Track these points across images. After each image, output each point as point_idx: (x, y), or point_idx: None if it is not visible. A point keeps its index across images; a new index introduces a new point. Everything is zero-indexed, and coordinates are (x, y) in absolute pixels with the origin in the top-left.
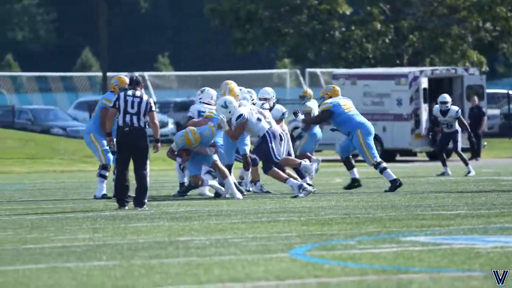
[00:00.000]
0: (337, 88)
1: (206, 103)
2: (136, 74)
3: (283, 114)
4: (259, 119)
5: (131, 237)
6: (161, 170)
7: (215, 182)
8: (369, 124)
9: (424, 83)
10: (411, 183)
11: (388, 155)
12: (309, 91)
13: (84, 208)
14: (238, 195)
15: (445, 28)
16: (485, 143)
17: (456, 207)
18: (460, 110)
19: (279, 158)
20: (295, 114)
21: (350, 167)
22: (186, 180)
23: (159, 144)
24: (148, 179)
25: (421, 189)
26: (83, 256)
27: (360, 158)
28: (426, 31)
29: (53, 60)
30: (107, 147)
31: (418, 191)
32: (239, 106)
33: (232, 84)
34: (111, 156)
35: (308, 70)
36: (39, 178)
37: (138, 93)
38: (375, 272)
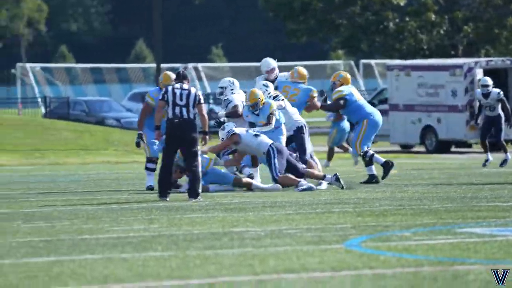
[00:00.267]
0: (349, 76)
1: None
2: (190, 65)
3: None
4: (256, 135)
5: (186, 228)
6: None
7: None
8: (378, 115)
9: (479, 74)
10: (466, 175)
11: (443, 146)
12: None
13: (138, 199)
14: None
15: (500, 19)
16: None
17: None
18: (501, 92)
19: (279, 175)
20: (322, 95)
21: (369, 163)
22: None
23: (207, 137)
24: (200, 169)
25: (476, 181)
26: (138, 246)
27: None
28: (481, 22)
29: (108, 52)
30: (153, 140)
31: (473, 182)
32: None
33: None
34: (155, 148)
35: (362, 61)
36: (93, 169)
37: (185, 86)
38: (430, 263)
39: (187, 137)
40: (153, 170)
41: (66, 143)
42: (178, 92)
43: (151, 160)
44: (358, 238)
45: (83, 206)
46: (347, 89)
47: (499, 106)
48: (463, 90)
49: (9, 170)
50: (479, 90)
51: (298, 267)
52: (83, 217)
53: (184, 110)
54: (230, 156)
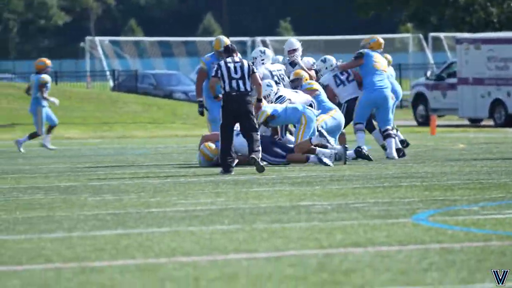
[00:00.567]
0: (381, 41)
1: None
2: (258, 39)
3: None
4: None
5: (253, 201)
6: None
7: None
8: (386, 93)
9: None
10: None
11: None
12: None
13: (206, 173)
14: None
15: None
16: None
17: None
18: None
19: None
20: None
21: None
22: None
23: (261, 104)
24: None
25: None
26: (205, 220)
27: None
28: None
29: (176, 25)
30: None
31: None
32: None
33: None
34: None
35: (431, 34)
36: (161, 142)
37: (236, 58)
38: (499, 238)
39: (242, 110)
40: None
41: (134, 116)
42: (231, 65)
43: None
44: (426, 212)
45: (150, 179)
46: (370, 51)
47: None
48: None
49: (78, 144)
50: None
51: (364, 241)
52: (151, 190)
53: (240, 82)
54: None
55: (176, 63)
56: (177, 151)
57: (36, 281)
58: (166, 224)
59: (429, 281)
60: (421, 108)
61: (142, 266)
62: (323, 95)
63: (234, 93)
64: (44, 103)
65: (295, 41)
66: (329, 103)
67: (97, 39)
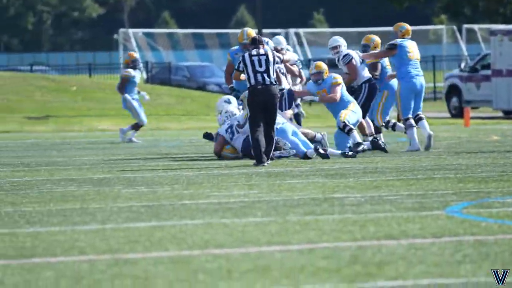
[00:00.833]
0: (409, 28)
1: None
2: (292, 31)
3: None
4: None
5: (286, 193)
6: None
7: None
8: (422, 81)
9: None
10: None
11: None
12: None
13: (239, 165)
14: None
15: None
16: None
17: None
18: None
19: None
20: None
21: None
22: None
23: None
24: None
25: None
26: (238, 212)
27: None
28: None
29: (209, 17)
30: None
31: None
32: None
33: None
34: None
35: (465, 26)
36: (194, 134)
37: (261, 51)
38: None
39: (269, 104)
40: None
41: (167, 108)
42: (255, 59)
43: None
44: (460, 204)
45: (184, 171)
46: (402, 41)
47: None
48: None
49: (111, 135)
50: None
51: (398, 234)
52: (184, 182)
53: (265, 75)
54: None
55: (210, 55)
56: (210, 143)
57: (69, 273)
58: (199, 216)
59: (463, 273)
60: (454, 100)
61: (175, 258)
62: (344, 88)
63: (260, 87)
64: (135, 96)
65: (282, 40)
66: (348, 96)
67: (131, 31)
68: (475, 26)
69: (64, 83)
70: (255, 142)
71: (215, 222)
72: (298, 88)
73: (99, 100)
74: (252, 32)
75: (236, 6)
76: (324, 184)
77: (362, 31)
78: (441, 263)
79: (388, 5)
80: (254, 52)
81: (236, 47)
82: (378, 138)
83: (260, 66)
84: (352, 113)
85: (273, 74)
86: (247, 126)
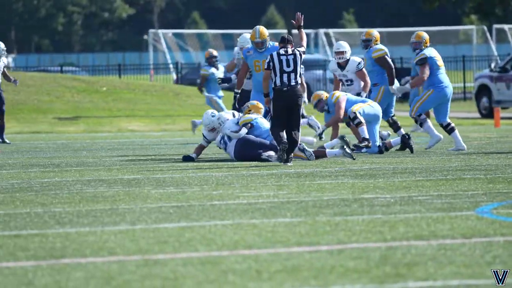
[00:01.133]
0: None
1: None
2: (322, 31)
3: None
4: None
5: (316, 194)
6: None
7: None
8: (451, 89)
9: None
10: None
11: None
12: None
13: (268, 165)
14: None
15: None
16: None
17: None
18: None
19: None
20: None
21: (451, 131)
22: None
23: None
24: (299, 140)
25: None
26: (267, 212)
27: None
28: None
29: (239, 17)
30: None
31: None
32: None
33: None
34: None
35: (495, 26)
36: None
37: (289, 50)
38: None
39: (293, 105)
40: None
41: (197, 109)
42: (284, 58)
43: None
44: (490, 205)
45: (213, 172)
46: (429, 52)
47: None
48: None
49: (140, 136)
50: None
51: (428, 234)
52: (213, 183)
53: (292, 76)
54: None
55: None
56: None
57: (99, 273)
58: (228, 217)
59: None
60: (484, 100)
61: (204, 259)
62: (349, 95)
63: (285, 89)
64: (219, 93)
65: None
66: (359, 98)
67: (161, 32)
68: (505, 26)
69: (94, 84)
70: (276, 136)
71: (245, 223)
72: None
73: (129, 100)
74: (265, 31)
75: (266, 6)
76: (353, 184)
77: (392, 31)
78: (471, 264)
79: (420, 5)
80: (282, 51)
81: (249, 45)
82: (409, 135)
83: (288, 66)
84: (370, 107)
85: (299, 75)
86: (242, 130)
